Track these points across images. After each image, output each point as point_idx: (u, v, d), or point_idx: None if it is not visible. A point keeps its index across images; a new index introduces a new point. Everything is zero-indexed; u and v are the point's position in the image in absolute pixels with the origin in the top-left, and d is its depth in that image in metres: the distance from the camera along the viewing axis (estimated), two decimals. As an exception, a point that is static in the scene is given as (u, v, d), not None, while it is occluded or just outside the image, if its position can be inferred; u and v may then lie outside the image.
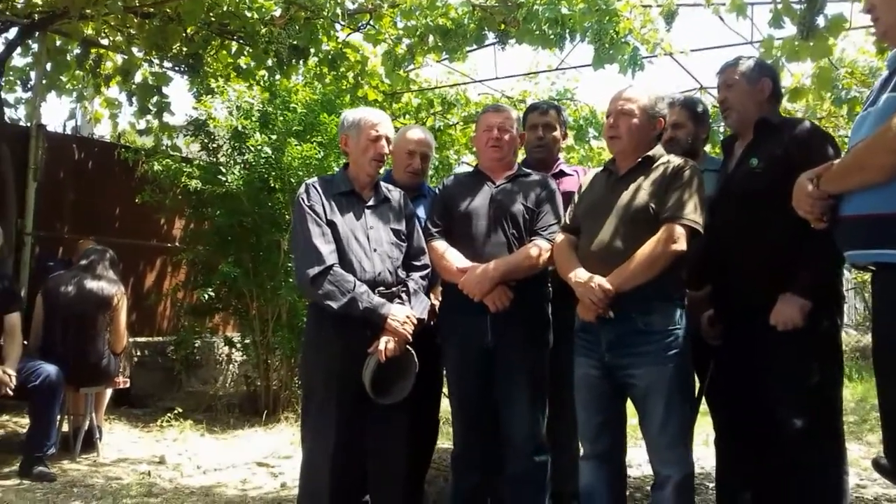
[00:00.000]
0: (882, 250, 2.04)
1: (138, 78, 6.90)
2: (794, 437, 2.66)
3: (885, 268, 2.09)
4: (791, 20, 3.78)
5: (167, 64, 6.69)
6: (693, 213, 2.63)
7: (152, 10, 5.64)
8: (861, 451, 5.09)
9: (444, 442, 4.44)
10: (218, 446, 5.19)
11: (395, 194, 3.17)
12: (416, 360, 2.94)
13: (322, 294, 2.85)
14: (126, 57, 6.66)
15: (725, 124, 3.19)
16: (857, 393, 7.66)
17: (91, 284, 4.76)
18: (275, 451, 4.98)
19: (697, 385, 2.96)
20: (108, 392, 5.13)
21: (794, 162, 2.51)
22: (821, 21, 3.71)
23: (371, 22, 6.04)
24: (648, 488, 2.96)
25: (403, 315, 2.90)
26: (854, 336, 11.24)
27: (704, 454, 3.88)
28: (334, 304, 2.84)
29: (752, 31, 5.75)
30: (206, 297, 5.93)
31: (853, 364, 9.11)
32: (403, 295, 3.00)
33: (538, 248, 2.99)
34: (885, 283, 2.14)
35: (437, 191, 3.38)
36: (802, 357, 2.67)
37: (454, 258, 3.05)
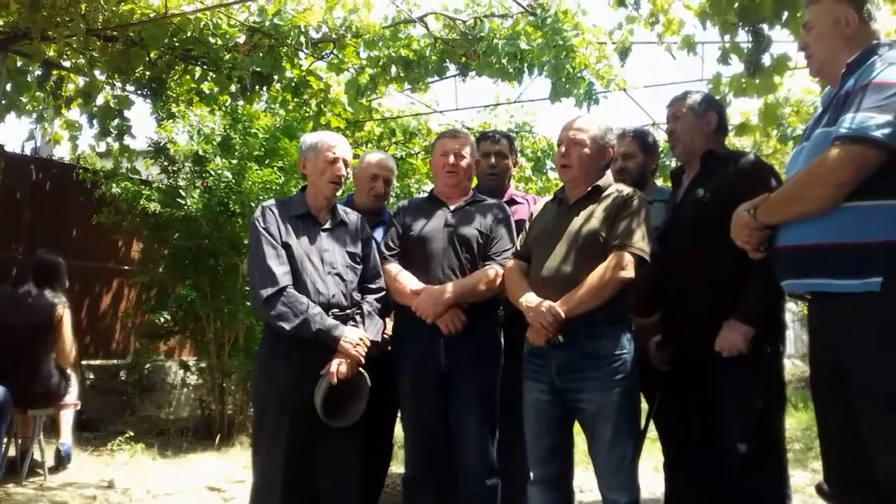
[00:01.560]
0: (816, 279, 2.12)
1: (100, 100, 6.87)
2: (739, 462, 2.72)
3: (821, 297, 2.17)
4: (738, 58, 3.93)
5: (129, 87, 6.68)
6: (641, 241, 2.70)
7: (115, 33, 5.64)
8: (806, 478, 5.17)
9: (398, 466, 4.43)
10: (169, 471, 5.11)
11: (352, 217, 3.20)
12: (368, 382, 2.96)
13: (275, 315, 2.86)
14: (88, 79, 6.63)
15: (672, 154, 3.30)
16: (803, 421, 7.77)
17: (30, 301, 4.61)
18: (227, 475, 4.92)
19: (645, 410, 3.01)
20: (69, 413, 4.99)
21: (738, 192, 2.59)
22: (766, 60, 3.86)
23: (335, 51, 6.11)
24: (597, 513, 2.99)
25: (356, 337, 2.92)
26: (800, 367, 11.43)
27: (654, 479, 3.92)
28: (287, 326, 2.85)
29: (702, 68, 5.96)
30: (163, 319, 5.89)
31: (798, 393, 9.24)
32: (357, 317, 3.02)
33: (493, 272, 3.04)
34: (820, 310, 2.22)
35: (391, 214, 3.43)
36: (746, 382, 2.74)
37: (408, 280, 3.08)
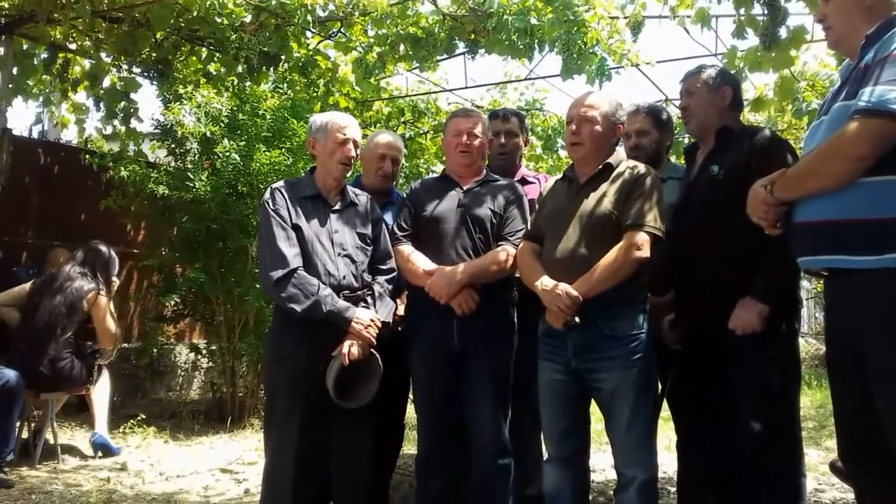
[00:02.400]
0: (833, 256, 2.09)
1: (106, 83, 6.83)
2: (753, 440, 2.70)
3: (837, 273, 2.14)
4: (754, 31, 3.85)
5: (136, 69, 6.63)
6: (655, 220, 2.67)
7: (121, 14, 5.60)
8: (819, 457, 5.16)
9: (410, 447, 4.44)
10: (181, 453, 5.13)
11: (361, 198, 3.17)
12: (380, 363, 2.94)
13: (285, 297, 2.84)
14: (94, 62, 6.59)
15: (686, 130, 3.25)
16: (816, 400, 7.78)
17: (66, 284, 4.76)
18: (239, 457, 4.94)
19: (659, 388, 2.99)
20: (101, 403, 5.01)
21: (753, 169, 2.55)
22: (783, 32, 3.79)
23: (342, 30, 6.05)
24: (612, 492, 2.98)
25: (368, 318, 2.90)
26: (813, 344, 11.42)
27: (667, 459, 3.91)
28: (298, 307, 2.83)
29: (716, 42, 5.88)
30: (172, 303, 5.89)
31: (812, 372, 9.25)
32: (368, 298, 3.00)
33: (505, 253, 3.02)
34: (836, 287, 2.19)
35: (404, 195, 3.40)
36: (760, 361, 2.72)
37: (420, 261, 3.06)
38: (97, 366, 5.00)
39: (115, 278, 5.13)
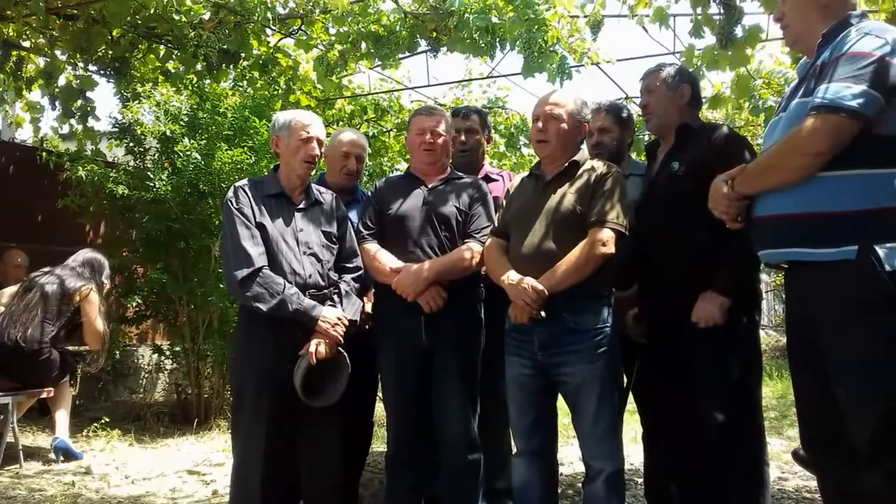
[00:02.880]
0: (793, 249, 2.16)
1: (62, 81, 6.68)
2: (717, 431, 2.76)
3: (797, 265, 2.20)
4: (711, 31, 3.92)
5: (92, 67, 6.50)
6: (618, 217, 2.71)
7: (76, 11, 5.48)
8: (782, 446, 5.28)
9: (379, 445, 4.44)
10: (147, 455, 5.07)
11: (326, 196, 3.16)
12: (348, 362, 2.94)
13: (251, 296, 2.83)
14: (49, 60, 6.44)
15: (647, 128, 3.30)
16: (778, 390, 7.96)
17: (62, 276, 4.86)
18: (206, 458, 4.89)
19: (624, 381, 3.04)
20: (62, 409, 4.94)
21: (712, 165, 2.60)
22: (739, 32, 3.86)
23: (302, 27, 6.00)
24: (580, 485, 3.02)
25: (334, 317, 2.90)
26: (774, 336, 11.67)
27: (633, 450, 3.98)
28: (263, 307, 2.82)
29: (674, 41, 5.94)
30: (134, 304, 5.82)
31: (773, 363, 9.45)
32: (335, 297, 3.00)
33: (471, 250, 3.03)
34: (795, 279, 2.26)
35: (368, 194, 3.40)
36: (723, 353, 2.78)
37: (387, 259, 3.07)
38: (80, 371, 4.98)
39: (105, 280, 5.16)
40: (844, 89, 1.99)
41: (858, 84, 1.98)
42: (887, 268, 1.97)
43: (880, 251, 1.98)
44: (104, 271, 5.13)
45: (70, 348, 4.97)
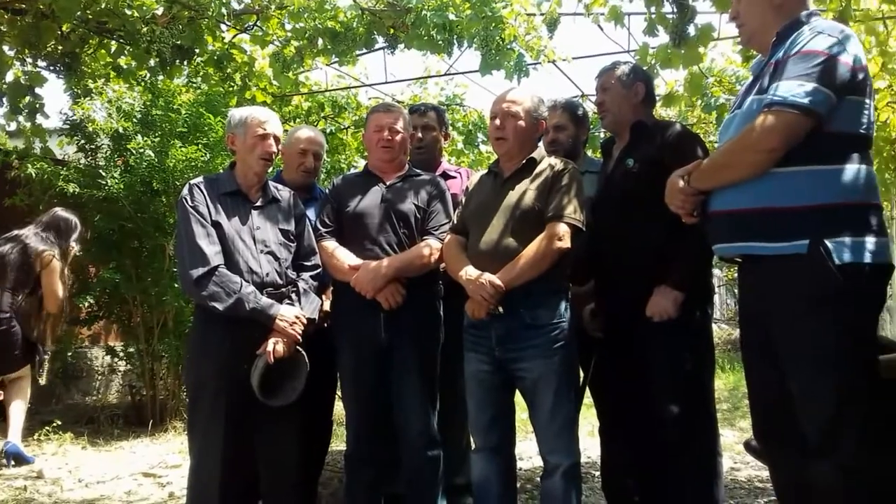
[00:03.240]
0: (747, 243, 2.20)
1: (10, 77, 6.50)
2: (671, 423, 2.81)
3: (751, 259, 2.25)
4: (664, 29, 3.97)
5: (41, 63, 6.35)
6: (575, 212, 2.75)
7: (24, 6, 5.33)
8: (734, 437, 5.39)
9: (338, 443, 4.43)
10: (101, 459, 4.98)
11: (284, 194, 3.13)
12: (306, 361, 2.92)
13: (207, 295, 2.79)
14: (-5, 55, 6.27)
15: (602, 125, 3.34)
16: (730, 382, 8.12)
17: (24, 240, 4.71)
18: (162, 460, 4.83)
19: (581, 376, 3.08)
20: (16, 409, 4.75)
21: (666, 163, 2.65)
22: (692, 30, 3.91)
23: (258, 23, 5.93)
24: (538, 479, 3.05)
25: (292, 315, 2.88)
26: (726, 330, 11.91)
27: (590, 444, 4.03)
28: (220, 306, 2.78)
29: (629, 39, 6.04)
30: (87, 304, 5.70)
31: (725, 356, 9.65)
32: (293, 295, 2.97)
33: (430, 247, 3.04)
34: (749, 273, 2.31)
35: (326, 191, 3.38)
36: (676, 346, 2.83)
37: (345, 256, 3.06)
38: (39, 359, 4.82)
39: (73, 243, 4.97)
40: (797, 87, 2.04)
41: (810, 82, 2.03)
42: (837, 261, 2.03)
43: (830, 245, 2.03)
44: (73, 234, 4.94)
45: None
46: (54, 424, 5.39)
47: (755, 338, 2.29)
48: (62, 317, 4.93)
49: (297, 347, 2.91)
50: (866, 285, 2.09)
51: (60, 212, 4.99)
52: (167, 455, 4.98)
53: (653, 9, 3.90)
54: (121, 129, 5.70)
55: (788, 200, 2.09)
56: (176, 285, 5.41)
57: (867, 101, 2.14)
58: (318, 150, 3.56)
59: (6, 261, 4.62)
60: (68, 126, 6.13)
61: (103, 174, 5.59)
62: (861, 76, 2.10)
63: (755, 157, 2.12)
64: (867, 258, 2.05)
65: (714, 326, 3.30)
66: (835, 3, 3.96)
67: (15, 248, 4.67)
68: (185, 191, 2.97)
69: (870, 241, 2.06)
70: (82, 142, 6.10)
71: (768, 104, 2.08)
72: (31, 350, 4.78)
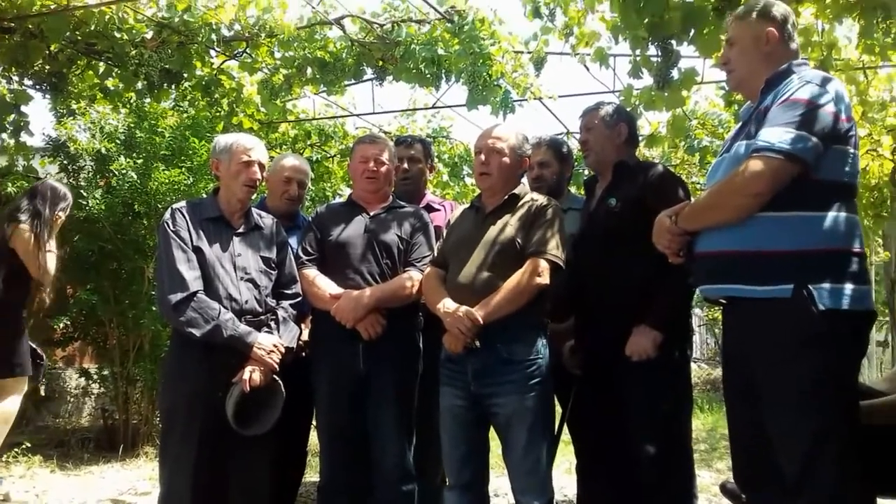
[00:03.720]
0: (731, 285, 2.23)
1: (-6, 94, 6.50)
2: (648, 462, 2.80)
3: (735, 301, 2.27)
4: (649, 72, 4.05)
5: (28, 81, 6.35)
6: (555, 248, 2.76)
7: (13, 25, 5.35)
8: (711, 478, 5.36)
9: (312, 475, 4.37)
10: (70, 483, 4.89)
11: (267, 221, 3.13)
12: (282, 390, 2.90)
13: (184, 321, 2.77)
14: (-19, 72, 6.26)
15: (585, 164, 3.38)
16: (708, 423, 8.11)
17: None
18: (132, 487, 4.74)
19: (559, 413, 3.07)
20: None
21: (648, 203, 2.68)
22: (675, 74, 4.00)
23: (248, 50, 5.98)
24: (512, 516, 3.02)
25: (270, 344, 2.86)
26: (705, 369, 11.95)
27: (568, 482, 4.00)
28: (197, 332, 2.76)
29: (613, 80, 6.13)
30: (62, 325, 5.63)
31: (704, 396, 9.67)
32: (272, 323, 2.96)
33: (412, 279, 3.04)
34: (733, 315, 2.33)
35: (309, 220, 3.38)
36: (655, 386, 2.82)
37: (326, 285, 3.05)
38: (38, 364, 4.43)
39: (60, 213, 4.44)
40: (784, 133, 2.08)
41: (797, 129, 2.08)
42: (821, 307, 2.05)
43: (814, 290, 2.06)
44: (60, 203, 4.43)
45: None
46: (23, 447, 5.28)
47: (737, 379, 2.30)
48: (46, 282, 4.43)
49: (274, 376, 2.88)
50: (849, 331, 2.11)
51: (51, 181, 4.66)
52: (137, 481, 4.89)
53: (638, 51, 3.97)
54: (104, 150, 5.68)
55: (774, 245, 2.12)
56: (154, 308, 5.36)
57: (852, 150, 2.18)
58: (302, 178, 3.57)
59: None
60: (51, 146, 6.10)
61: (84, 194, 5.55)
62: (847, 126, 2.15)
63: (741, 200, 2.15)
64: (850, 304, 2.08)
65: (693, 366, 3.32)
66: (816, 53, 4.05)
67: None
68: (167, 215, 2.96)
69: (852, 288, 2.09)
70: (65, 162, 6.07)
71: (755, 149, 2.11)
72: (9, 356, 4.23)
